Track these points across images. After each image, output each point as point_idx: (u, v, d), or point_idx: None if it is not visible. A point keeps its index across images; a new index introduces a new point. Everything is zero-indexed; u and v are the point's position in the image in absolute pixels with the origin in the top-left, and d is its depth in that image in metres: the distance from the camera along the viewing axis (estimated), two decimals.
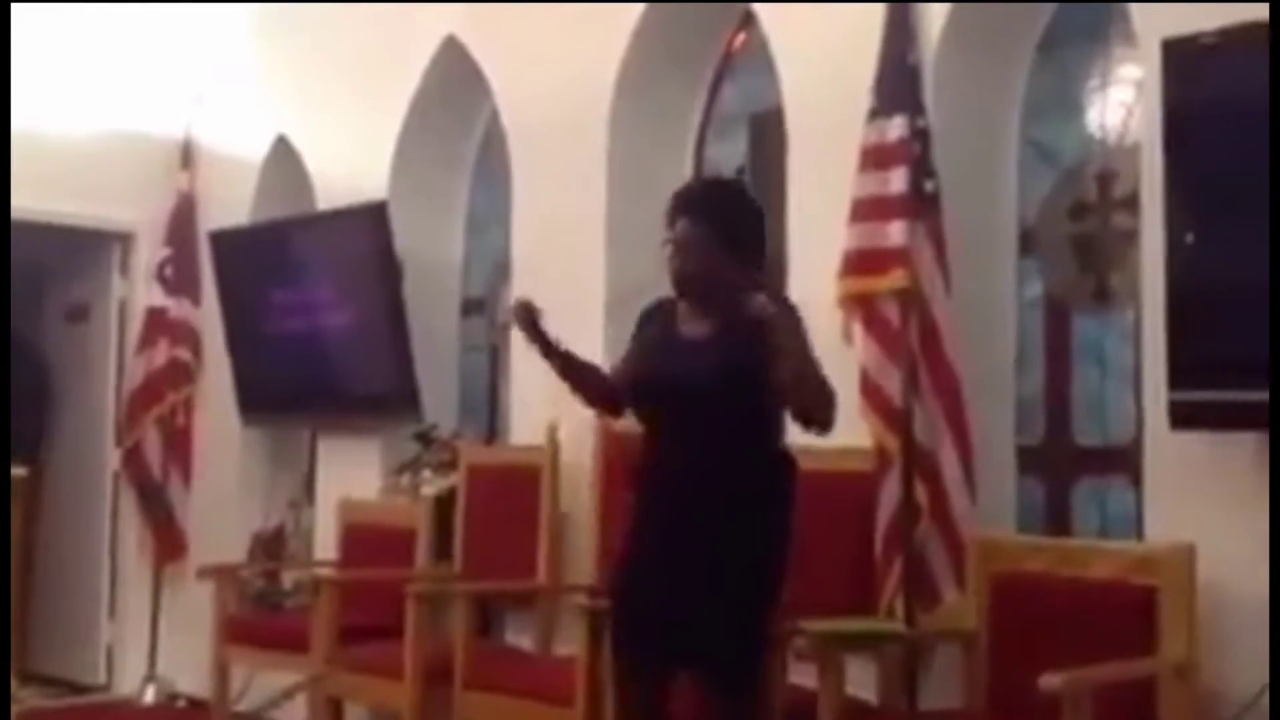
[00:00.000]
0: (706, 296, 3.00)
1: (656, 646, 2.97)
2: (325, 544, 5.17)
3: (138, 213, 5.92)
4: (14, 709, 1.66)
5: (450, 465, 4.83)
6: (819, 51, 3.81)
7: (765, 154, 4.23)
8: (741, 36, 4.43)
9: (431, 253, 5.26)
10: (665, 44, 4.40)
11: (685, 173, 4.46)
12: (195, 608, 5.27)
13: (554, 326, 4.54)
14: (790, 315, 2.88)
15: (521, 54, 4.73)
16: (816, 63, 3.82)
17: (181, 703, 5.67)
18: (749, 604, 2.92)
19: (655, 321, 3.16)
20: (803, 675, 3.25)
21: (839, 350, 3.42)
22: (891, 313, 3.36)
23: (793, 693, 3.26)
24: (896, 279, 3.33)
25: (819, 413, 2.83)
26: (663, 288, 3.31)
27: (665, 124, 4.49)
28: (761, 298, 2.80)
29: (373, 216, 5.05)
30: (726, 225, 2.98)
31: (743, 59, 4.44)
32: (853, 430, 3.40)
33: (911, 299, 3.33)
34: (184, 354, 5.81)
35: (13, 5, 5.40)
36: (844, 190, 3.49)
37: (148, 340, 5.84)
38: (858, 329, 3.42)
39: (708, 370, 2.94)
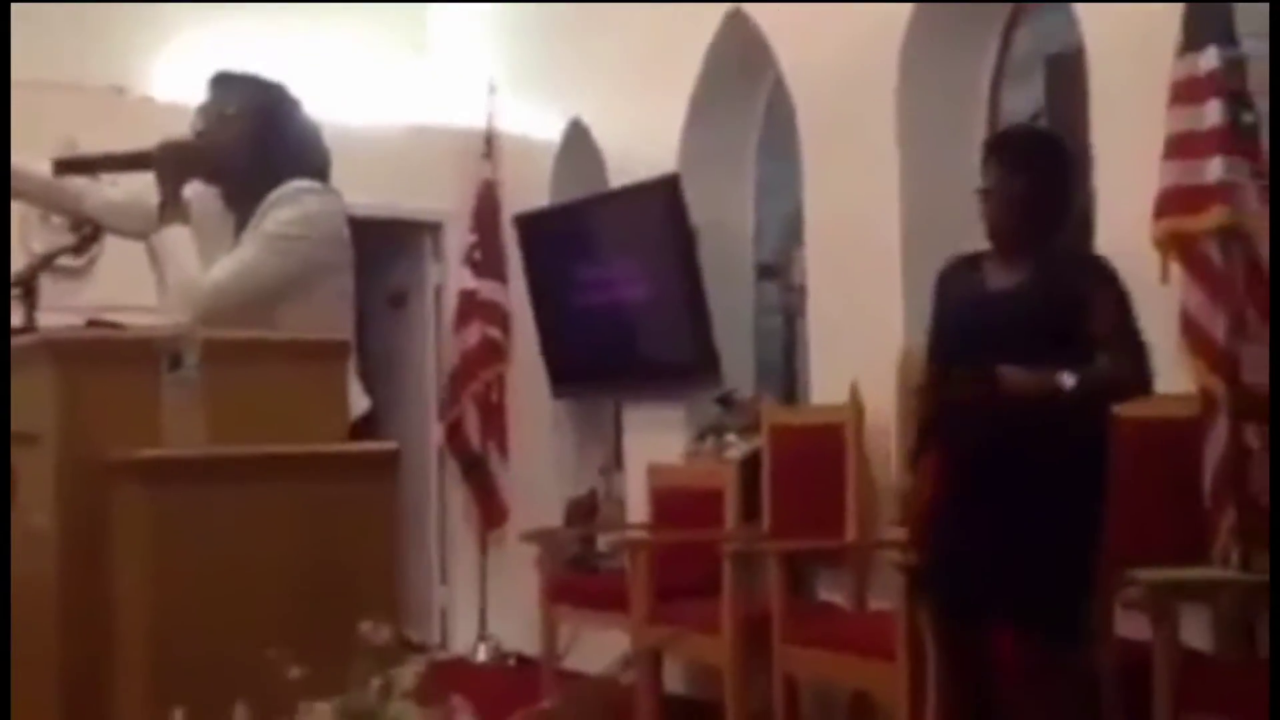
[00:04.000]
0: (1019, 247, 3.01)
1: (980, 599, 3.00)
2: (636, 508, 5.38)
3: (446, 202, 6.28)
4: (423, 661, 1.82)
5: (752, 428, 4.93)
6: None
7: (1064, 97, 4.13)
8: None
9: (724, 221, 5.37)
10: None
11: (979, 123, 4.40)
12: (518, 571, 5.58)
13: (849, 286, 4.60)
14: (1109, 274, 2.92)
15: (805, 17, 4.75)
16: None
17: (511, 660, 6.00)
18: (1073, 552, 2.92)
19: (957, 279, 3.19)
20: (1131, 627, 3.20)
21: (1156, 293, 3.34)
22: (1213, 251, 3.24)
23: (1123, 645, 3.21)
24: (1217, 216, 3.21)
25: (1138, 374, 2.86)
26: (966, 241, 3.32)
27: (956, 74, 4.43)
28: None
29: (666, 190, 5.20)
30: (1044, 175, 3.00)
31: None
32: (1173, 376, 3.31)
33: (1234, 236, 3.21)
34: (495, 333, 6.13)
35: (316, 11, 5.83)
36: (1151, 130, 3.38)
37: (462, 321, 6.19)
38: (1176, 270, 3.32)
39: (1019, 319, 2.96)
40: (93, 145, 5.04)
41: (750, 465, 4.82)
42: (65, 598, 2.19)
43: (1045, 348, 2.90)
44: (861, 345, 4.43)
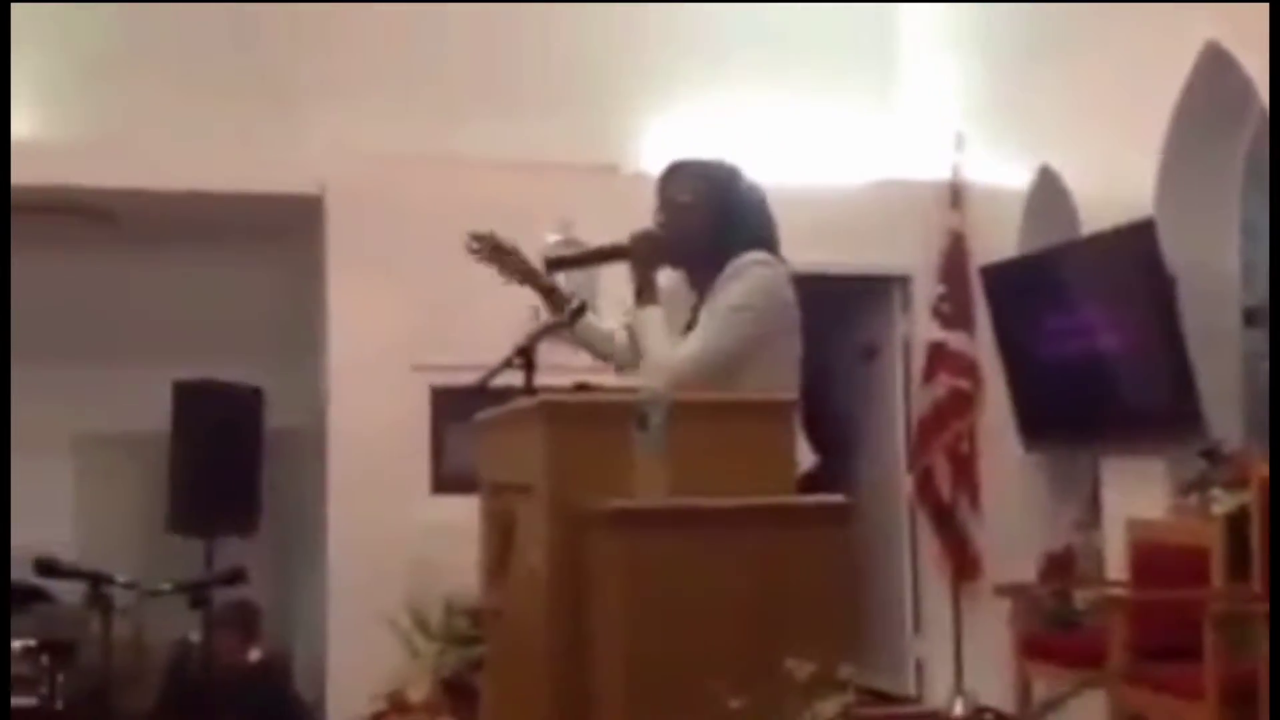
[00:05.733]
0: None
1: None
2: (1114, 564, 5.19)
3: (914, 255, 6.37)
4: (849, 698, 1.95)
5: (1240, 482, 4.66)
6: None
7: None
8: None
9: (1205, 264, 5.11)
10: None
11: None
12: (993, 624, 5.53)
13: None
14: None
15: None
16: None
17: (988, 716, 5.91)
18: None
19: None
20: None
21: None
22: None
23: None
24: None
25: None
26: None
27: None
28: None
29: (1140, 235, 5.03)
30: None
31: None
32: None
33: None
34: (964, 384, 6.13)
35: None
36: None
37: (930, 373, 6.23)
38: None
39: None
40: (588, 222, 5.61)
41: (1238, 522, 4.55)
42: (553, 627, 2.51)
43: None
44: None
